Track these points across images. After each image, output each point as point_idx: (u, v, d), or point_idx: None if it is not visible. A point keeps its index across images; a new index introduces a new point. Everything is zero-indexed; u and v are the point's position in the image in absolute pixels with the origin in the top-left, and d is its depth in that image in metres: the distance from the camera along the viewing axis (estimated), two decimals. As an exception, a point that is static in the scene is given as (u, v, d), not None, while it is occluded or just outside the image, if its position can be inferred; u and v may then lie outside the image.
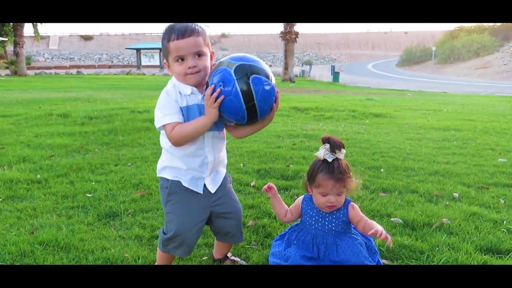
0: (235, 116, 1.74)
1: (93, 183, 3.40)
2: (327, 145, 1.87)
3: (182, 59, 1.74)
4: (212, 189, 1.91)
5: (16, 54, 29.53)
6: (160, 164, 1.92)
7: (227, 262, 2.13)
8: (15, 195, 3.11)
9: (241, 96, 1.68)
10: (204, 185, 1.89)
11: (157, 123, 1.77)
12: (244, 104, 1.69)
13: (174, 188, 1.88)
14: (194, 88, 1.79)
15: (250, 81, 1.68)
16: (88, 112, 7.08)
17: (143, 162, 4.09)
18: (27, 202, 2.97)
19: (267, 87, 1.72)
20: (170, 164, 1.87)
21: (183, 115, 1.76)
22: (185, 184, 1.87)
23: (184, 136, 1.74)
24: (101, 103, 9.10)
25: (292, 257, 1.92)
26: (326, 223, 1.95)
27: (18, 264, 2.09)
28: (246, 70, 1.69)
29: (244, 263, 2.15)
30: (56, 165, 3.89)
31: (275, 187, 2.07)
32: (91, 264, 2.11)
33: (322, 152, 1.88)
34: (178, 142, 1.76)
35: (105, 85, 18.36)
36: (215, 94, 1.67)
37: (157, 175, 1.94)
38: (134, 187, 3.31)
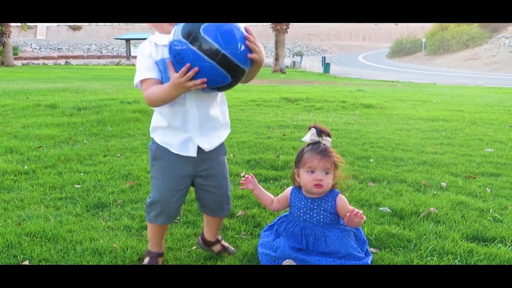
0: (216, 79, 1.52)
1: (82, 174, 3.37)
2: (313, 130, 1.93)
3: None
4: (206, 147, 1.81)
5: (3, 44, 28.96)
6: (151, 123, 1.87)
7: (217, 247, 2.10)
8: (2, 186, 3.07)
9: (202, 54, 1.46)
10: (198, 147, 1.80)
11: (134, 82, 1.73)
12: (212, 60, 1.47)
13: (159, 153, 1.84)
14: None
15: (203, 33, 1.46)
16: (76, 103, 6.99)
17: (132, 153, 4.07)
18: (14, 193, 2.94)
19: (225, 28, 1.49)
20: (158, 124, 1.82)
21: (160, 70, 1.69)
22: (174, 150, 1.80)
23: (154, 101, 1.67)
24: (90, 93, 9.00)
25: (281, 247, 1.93)
26: (314, 215, 1.97)
27: (4, 255, 2.07)
28: (194, 26, 1.48)
29: (233, 250, 2.14)
30: (44, 156, 3.85)
31: (252, 177, 2.07)
32: (79, 254, 2.09)
33: (309, 136, 1.94)
34: (151, 104, 1.71)
35: (94, 76, 18.15)
36: (190, 73, 1.49)
37: (150, 135, 1.90)
38: (123, 178, 3.29)
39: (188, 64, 1.49)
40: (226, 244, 2.16)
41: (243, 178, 2.08)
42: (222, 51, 1.46)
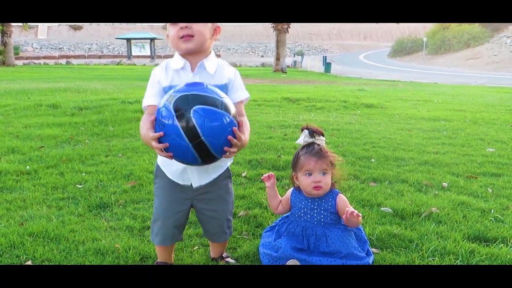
0: (186, 159, 1.54)
1: (84, 174, 3.38)
2: (306, 131, 1.94)
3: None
4: (195, 183, 1.83)
5: (4, 43, 28.96)
6: None
7: (221, 263, 2.05)
8: (4, 186, 3.08)
9: (183, 133, 1.47)
10: None
11: (142, 104, 1.79)
12: (189, 142, 1.47)
13: (159, 172, 1.87)
14: (187, 63, 1.72)
15: (192, 114, 1.46)
16: (78, 103, 7.01)
17: (134, 153, 4.07)
18: (16, 193, 2.95)
19: (214, 117, 1.49)
20: None
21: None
22: (168, 175, 1.84)
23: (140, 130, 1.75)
24: (91, 93, 9.00)
25: (283, 247, 1.93)
26: (315, 215, 1.97)
27: (7, 255, 2.08)
28: (187, 102, 1.48)
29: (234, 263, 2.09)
30: (46, 156, 3.86)
31: (273, 177, 2.08)
32: (81, 254, 2.10)
33: (302, 138, 1.95)
34: None
35: (95, 76, 18.16)
36: (160, 146, 1.53)
37: None
38: (124, 178, 3.30)
39: (161, 133, 1.51)
40: (231, 260, 2.07)
41: (267, 174, 2.07)
42: (202, 138, 1.47)
